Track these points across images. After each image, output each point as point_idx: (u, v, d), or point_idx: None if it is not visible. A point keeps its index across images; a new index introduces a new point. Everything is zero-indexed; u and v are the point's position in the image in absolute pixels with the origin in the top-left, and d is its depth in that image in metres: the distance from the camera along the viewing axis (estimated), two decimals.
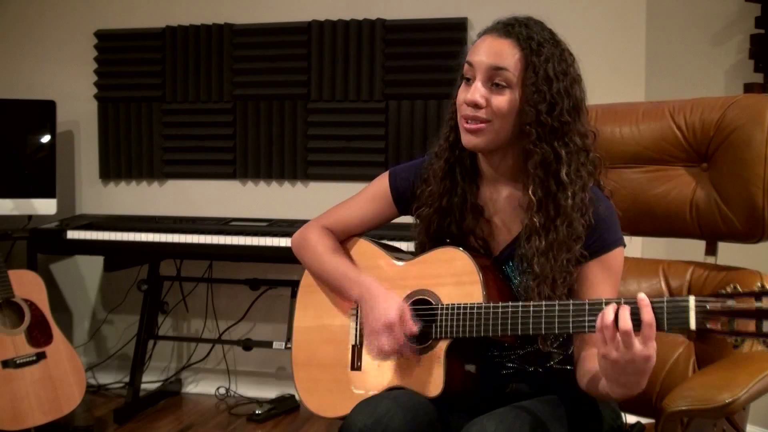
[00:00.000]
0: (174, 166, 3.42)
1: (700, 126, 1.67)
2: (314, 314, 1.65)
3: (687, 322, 1.15)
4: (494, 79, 1.38)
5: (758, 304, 1.10)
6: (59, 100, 3.26)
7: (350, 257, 1.64)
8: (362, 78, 3.17)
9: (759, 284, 1.11)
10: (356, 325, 1.58)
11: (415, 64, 3.12)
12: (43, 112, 3.22)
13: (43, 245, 3.08)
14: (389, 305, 1.45)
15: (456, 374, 1.43)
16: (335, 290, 1.61)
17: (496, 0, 2.95)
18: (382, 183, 1.63)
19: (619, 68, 2.93)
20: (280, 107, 3.28)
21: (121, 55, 3.43)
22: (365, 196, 1.65)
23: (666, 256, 1.79)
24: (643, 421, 1.61)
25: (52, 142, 3.23)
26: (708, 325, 1.14)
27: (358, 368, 1.55)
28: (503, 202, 1.50)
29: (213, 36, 3.32)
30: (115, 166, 3.47)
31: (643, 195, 1.72)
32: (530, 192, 1.39)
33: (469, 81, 1.41)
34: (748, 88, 2.47)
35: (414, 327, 1.43)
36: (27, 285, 2.80)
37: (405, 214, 1.64)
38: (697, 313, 1.15)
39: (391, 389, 1.47)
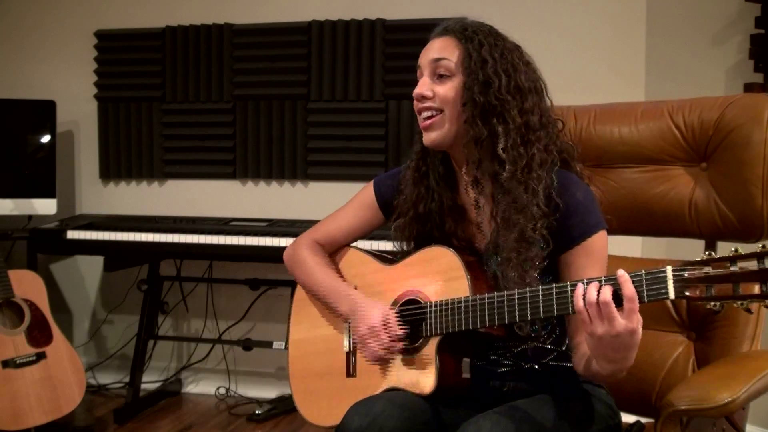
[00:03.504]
0: (174, 166, 3.42)
1: (699, 126, 1.67)
2: (308, 327, 1.67)
3: (666, 292, 1.17)
4: (437, 71, 1.48)
5: (733, 268, 1.12)
6: (59, 100, 3.26)
7: (339, 269, 1.67)
8: (362, 78, 3.17)
9: (733, 249, 1.13)
10: (349, 333, 1.59)
11: (415, 64, 3.10)
12: (43, 112, 3.22)
13: (43, 245, 3.08)
14: (374, 313, 1.48)
15: (449, 370, 1.44)
16: (326, 305, 1.64)
17: (495, 0, 2.98)
18: (367, 192, 1.68)
19: (618, 68, 2.93)
20: (280, 107, 3.28)
21: (121, 55, 3.43)
22: (352, 206, 1.70)
23: (665, 256, 1.80)
24: (643, 420, 1.61)
25: (52, 142, 3.23)
26: (687, 293, 1.15)
27: (353, 374, 1.56)
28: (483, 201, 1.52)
29: (213, 36, 3.32)
30: (115, 166, 3.47)
31: (642, 195, 1.72)
32: (463, 171, 1.45)
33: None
34: (748, 88, 2.47)
35: (399, 330, 1.46)
36: (27, 285, 2.80)
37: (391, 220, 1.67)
38: (675, 281, 1.16)
39: (387, 391, 1.47)
